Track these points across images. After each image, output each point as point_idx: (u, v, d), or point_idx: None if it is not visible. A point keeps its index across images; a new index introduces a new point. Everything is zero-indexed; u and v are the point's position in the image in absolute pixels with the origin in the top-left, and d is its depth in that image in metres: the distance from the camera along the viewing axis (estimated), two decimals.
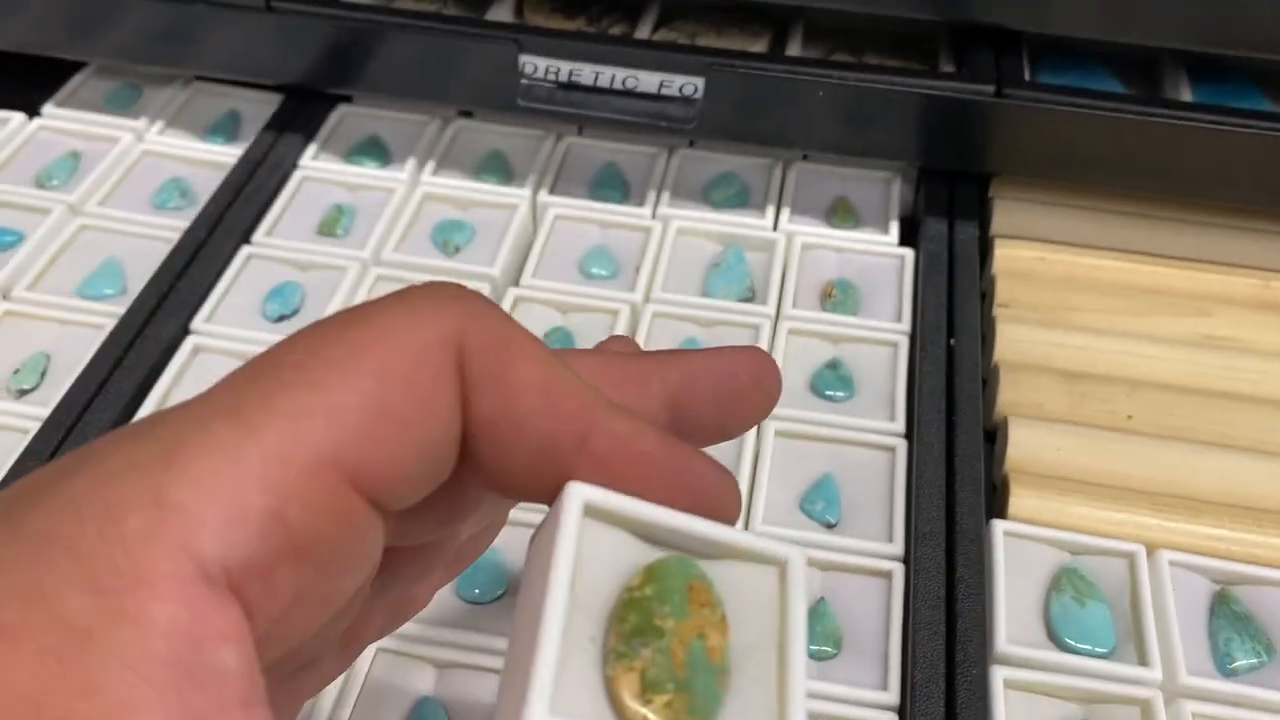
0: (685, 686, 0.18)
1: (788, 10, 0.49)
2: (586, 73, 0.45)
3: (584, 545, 0.19)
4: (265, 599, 0.17)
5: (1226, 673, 0.34)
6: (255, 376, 0.18)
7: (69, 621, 0.16)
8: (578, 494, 0.19)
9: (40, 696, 0.15)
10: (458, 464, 0.20)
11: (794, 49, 0.48)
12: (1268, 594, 0.35)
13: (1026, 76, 0.45)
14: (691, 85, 0.44)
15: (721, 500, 0.21)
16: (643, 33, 0.49)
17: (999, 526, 0.36)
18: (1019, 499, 0.38)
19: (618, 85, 0.45)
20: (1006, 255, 0.46)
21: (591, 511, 0.20)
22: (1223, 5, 0.41)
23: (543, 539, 0.20)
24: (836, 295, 0.45)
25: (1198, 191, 0.45)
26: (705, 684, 0.19)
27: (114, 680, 0.15)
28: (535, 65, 0.45)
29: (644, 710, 0.18)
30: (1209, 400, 0.41)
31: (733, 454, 0.38)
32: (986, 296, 0.46)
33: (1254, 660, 0.34)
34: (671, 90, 0.44)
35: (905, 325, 0.43)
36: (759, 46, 0.48)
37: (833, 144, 0.46)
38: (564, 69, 0.45)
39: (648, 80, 0.44)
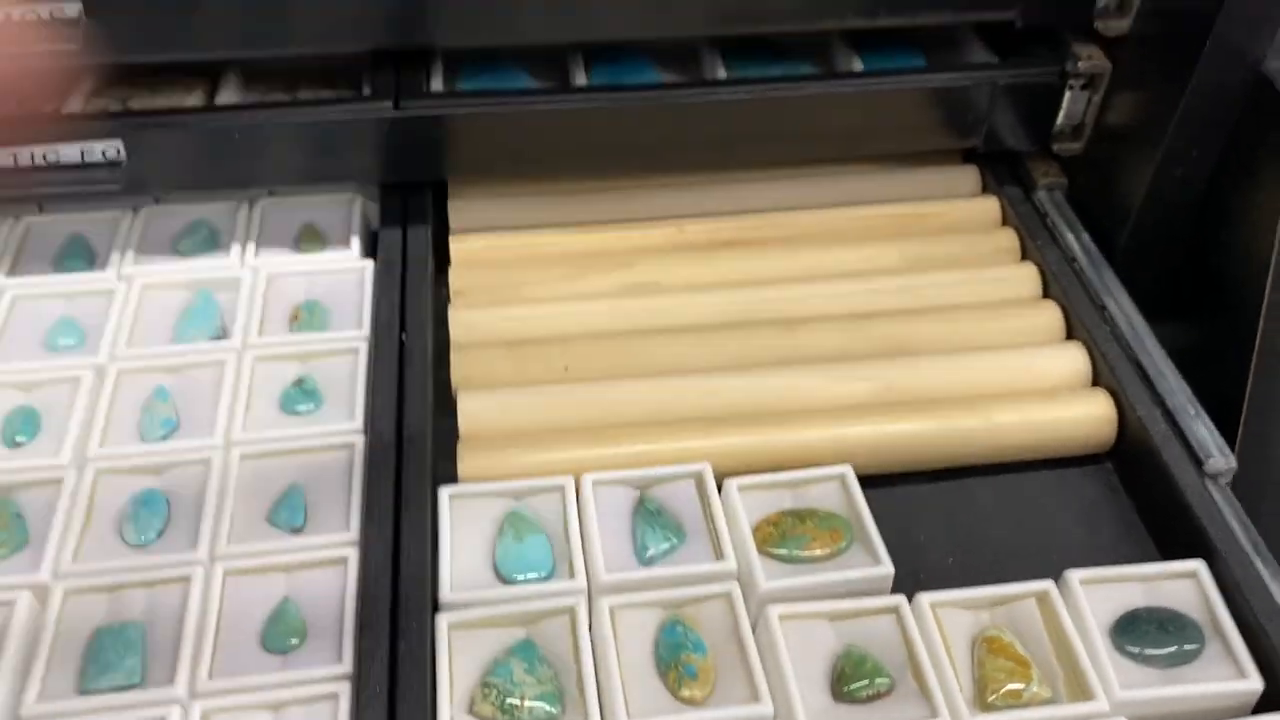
0: None
1: (216, 62, 0.51)
2: (3, 157, 0.45)
3: None
4: None
5: (645, 562, 0.40)
6: None
7: None
8: None
9: None
10: None
11: (229, 94, 0.51)
12: (677, 488, 0.42)
13: (431, 88, 0.49)
14: (112, 149, 0.46)
15: None
16: (75, 103, 0.50)
17: (445, 492, 0.41)
18: (466, 462, 0.42)
19: (40, 161, 0.46)
20: (461, 248, 0.51)
21: None
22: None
23: None
24: (303, 317, 0.48)
25: (600, 163, 0.51)
26: None
27: None
28: None
29: None
30: (632, 339, 0.48)
31: (197, 487, 0.40)
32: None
33: (666, 545, 0.40)
34: (94, 156, 0.46)
35: (365, 331, 0.47)
36: (194, 98, 0.50)
37: (274, 179, 0.49)
38: None
39: (68, 151, 0.46)
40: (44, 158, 0.46)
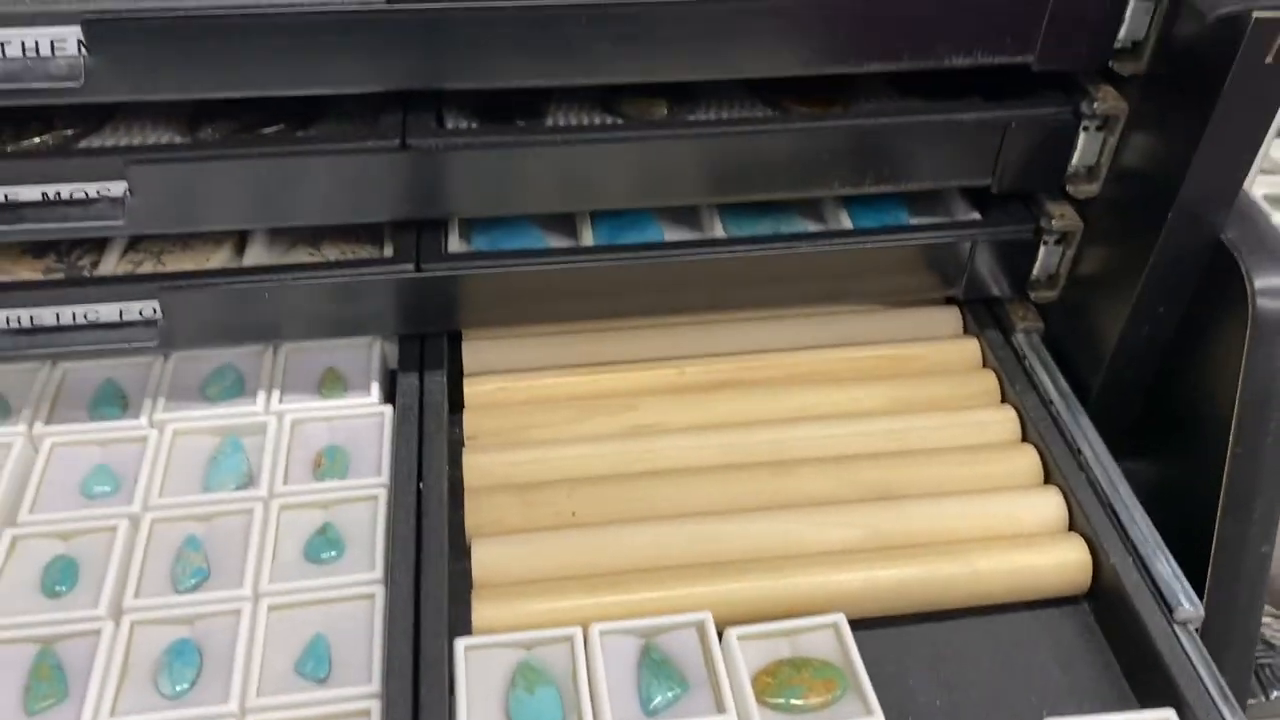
0: None
1: None
2: (47, 315, 0.48)
3: None
4: None
5: (650, 712, 0.42)
6: None
7: None
8: None
9: None
10: None
11: (256, 252, 0.54)
12: (681, 636, 0.45)
13: (451, 248, 0.53)
14: (150, 308, 0.49)
15: None
16: (110, 260, 0.53)
17: (460, 644, 0.43)
18: (480, 613, 0.45)
19: (80, 320, 0.49)
20: (474, 392, 0.54)
21: None
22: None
23: None
24: (325, 463, 0.51)
25: (606, 311, 0.55)
26: None
27: None
28: None
29: None
30: (637, 482, 0.50)
31: (228, 637, 0.43)
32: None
33: (670, 695, 0.43)
34: (132, 315, 0.49)
35: (385, 478, 0.50)
36: (221, 256, 0.54)
37: (300, 333, 0.52)
38: (24, 316, 0.48)
39: (107, 311, 0.49)
40: (85, 317, 0.49)
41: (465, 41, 0.45)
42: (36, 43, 0.42)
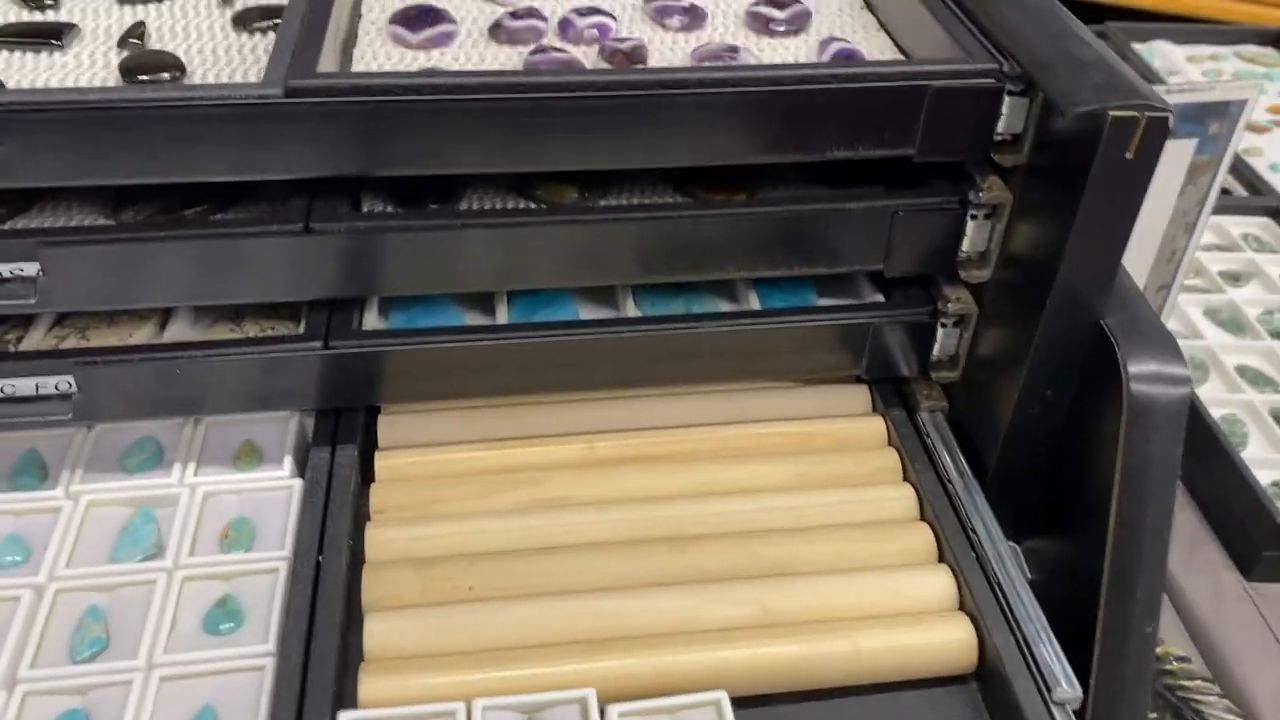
0: None
1: None
2: None
3: None
4: None
5: None
6: None
7: None
8: None
9: None
10: None
11: (179, 328, 0.56)
12: (564, 713, 0.45)
13: (366, 325, 0.54)
14: (65, 382, 0.51)
15: None
16: (35, 335, 0.55)
17: (343, 717, 0.44)
18: (367, 686, 0.46)
19: None
20: (384, 465, 0.56)
21: None
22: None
23: None
24: (232, 535, 0.52)
25: (520, 387, 0.56)
26: None
27: None
28: None
29: None
30: (537, 557, 0.51)
31: (118, 708, 0.44)
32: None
33: None
34: (48, 389, 0.51)
35: (287, 551, 0.51)
36: (145, 332, 0.55)
37: (217, 408, 0.54)
38: None
39: (23, 385, 0.50)
40: (1, 390, 0.50)
41: (364, 132, 0.47)
42: None
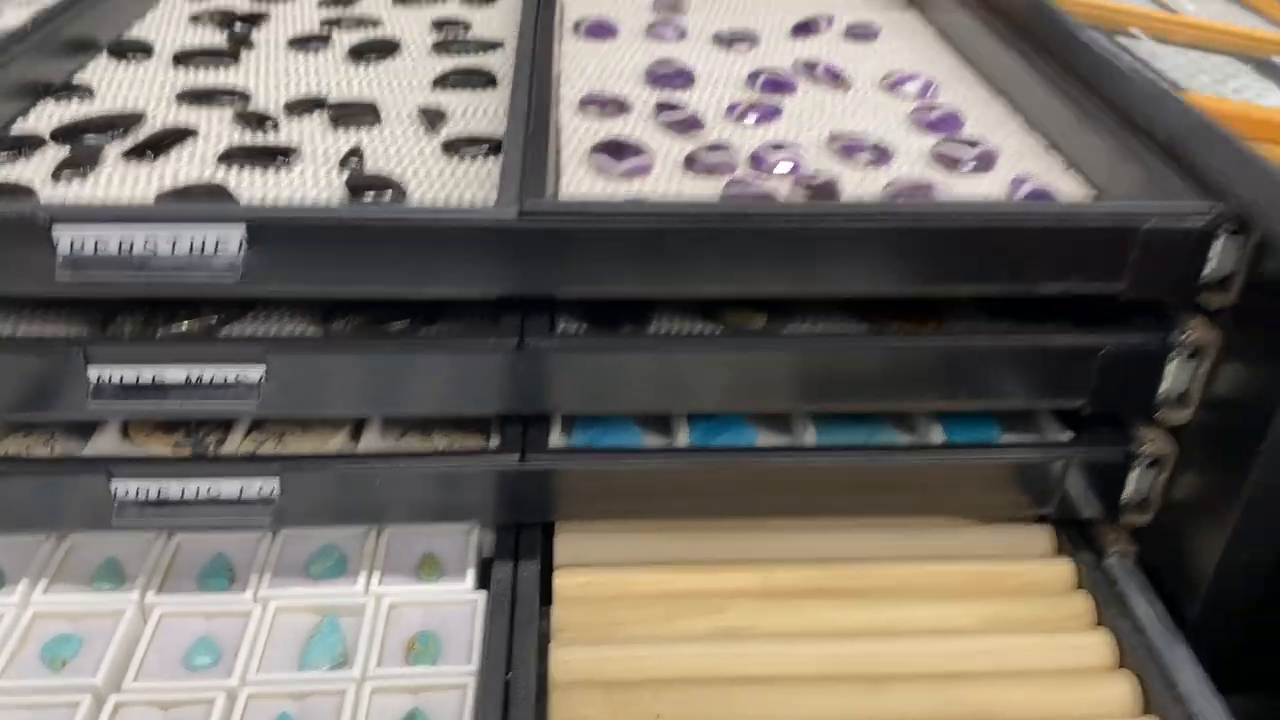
0: None
1: None
2: (173, 489, 0.51)
3: None
4: None
5: None
6: None
7: None
8: None
9: None
10: None
11: (371, 438, 0.57)
12: None
13: (552, 443, 0.55)
14: (269, 486, 0.52)
15: None
16: (235, 439, 0.56)
17: None
18: None
19: (202, 496, 0.52)
20: (563, 584, 0.55)
21: None
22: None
23: None
24: (418, 648, 0.51)
25: (699, 510, 0.56)
26: None
27: None
28: (126, 488, 0.51)
29: None
30: (726, 687, 0.50)
31: None
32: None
33: None
34: (251, 494, 0.52)
35: (474, 667, 0.50)
36: (339, 440, 0.57)
37: (406, 517, 0.54)
38: (152, 488, 0.51)
39: (229, 488, 0.52)
40: (207, 492, 0.51)
41: (583, 256, 0.48)
42: (204, 240, 0.46)
